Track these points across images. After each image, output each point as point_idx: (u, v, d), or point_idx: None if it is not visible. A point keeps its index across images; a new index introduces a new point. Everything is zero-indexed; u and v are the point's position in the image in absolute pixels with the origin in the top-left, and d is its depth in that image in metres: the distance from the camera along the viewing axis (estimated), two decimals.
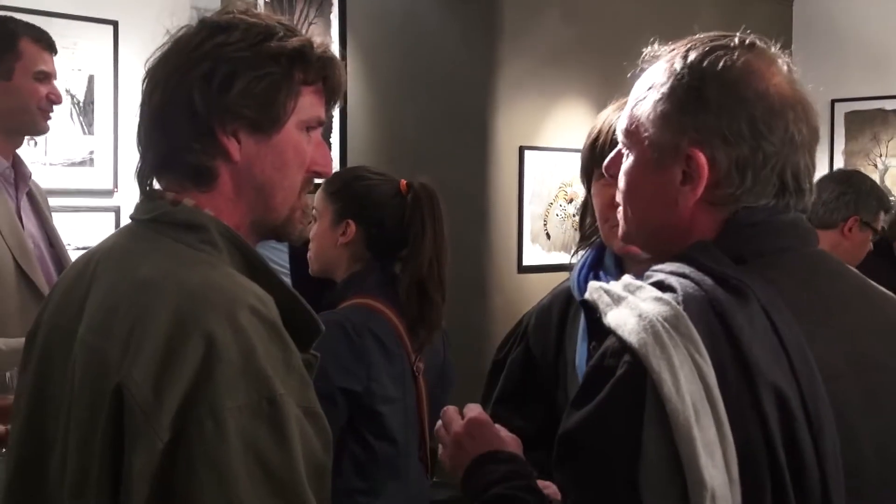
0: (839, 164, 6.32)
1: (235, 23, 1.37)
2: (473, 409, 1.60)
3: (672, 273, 1.21)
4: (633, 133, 1.32)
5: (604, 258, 1.86)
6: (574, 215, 5.14)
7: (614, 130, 1.78)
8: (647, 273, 1.25)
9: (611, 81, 5.17)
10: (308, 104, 1.41)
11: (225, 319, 1.20)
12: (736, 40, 1.28)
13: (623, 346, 1.14)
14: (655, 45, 1.35)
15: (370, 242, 2.43)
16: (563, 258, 5.07)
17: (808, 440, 1.12)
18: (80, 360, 1.27)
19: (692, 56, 1.27)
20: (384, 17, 5.21)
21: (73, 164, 4.35)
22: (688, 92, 1.25)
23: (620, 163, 1.36)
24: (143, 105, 1.39)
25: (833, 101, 6.14)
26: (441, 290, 2.43)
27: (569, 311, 1.91)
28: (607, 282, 1.76)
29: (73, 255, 4.28)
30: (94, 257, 1.39)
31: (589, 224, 1.94)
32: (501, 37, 4.83)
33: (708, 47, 1.28)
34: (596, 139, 1.83)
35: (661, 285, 1.19)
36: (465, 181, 4.77)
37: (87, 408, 1.24)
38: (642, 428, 1.09)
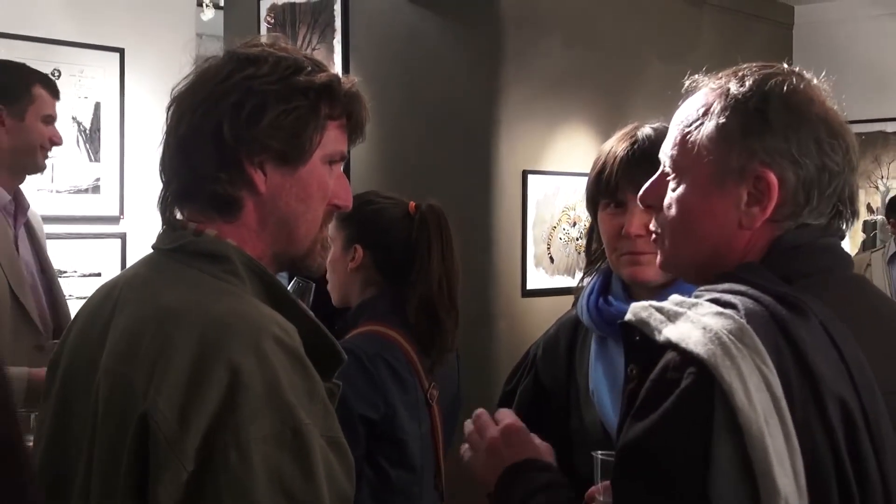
0: None
1: (264, 56, 1.38)
2: (508, 416, 1.59)
3: (727, 291, 1.21)
4: (687, 159, 1.32)
5: (611, 283, 1.87)
6: (577, 239, 5.15)
7: (620, 161, 1.79)
8: (697, 292, 1.25)
9: (613, 105, 5.22)
10: (332, 139, 1.43)
11: (249, 349, 1.21)
12: (785, 67, 1.31)
13: (686, 358, 1.14)
14: (697, 76, 1.37)
15: (380, 266, 2.43)
16: (566, 282, 5.07)
17: (870, 452, 1.13)
18: (104, 388, 1.27)
19: (750, 80, 1.29)
20: (387, 43, 5.24)
21: (79, 191, 4.37)
22: (752, 114, 1.27)
23: (658, 193, 1.36)
24: (168, 134, 1.40)
25: None
26: (452, 312, 2.41)
27: (576, 338, 1.91)
28: (617, 306, 1.77)
29: (79, 282, 4.30)
30: (117, 286, 1.40)
31: (595, 249, 1.95)
32: (504, 62, 4.86)
33: (763, 74, 1.30)
34: (602, 170, 1.82)
35: (718, 302, 1.20)
36: (469, 205, 4.79)
37: (112, 436, 1.24)
38: (711, 438, 1.10)
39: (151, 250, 1.44)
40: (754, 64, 1.33)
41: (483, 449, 1.55)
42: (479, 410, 1.62)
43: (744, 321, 1.15)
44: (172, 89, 1.42)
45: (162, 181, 1.42)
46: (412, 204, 2.45)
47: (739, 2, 6.08)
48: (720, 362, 1.11)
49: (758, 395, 1.09)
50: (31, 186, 4.19)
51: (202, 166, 1.35)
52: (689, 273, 1.38)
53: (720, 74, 1.34)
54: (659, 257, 1.40)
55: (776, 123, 1.26)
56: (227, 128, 1.34)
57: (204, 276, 1.32)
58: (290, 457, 1.18)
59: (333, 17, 5.44)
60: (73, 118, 4.35)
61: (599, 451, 1.49)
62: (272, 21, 5.73)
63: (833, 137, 1.27)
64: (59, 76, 4.29)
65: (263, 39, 1.44)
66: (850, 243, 6.25)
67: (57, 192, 4.31)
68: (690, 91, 1.36)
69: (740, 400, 1.09)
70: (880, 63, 6.20)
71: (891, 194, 6.17)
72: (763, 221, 1.27)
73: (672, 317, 1.19)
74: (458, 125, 4.93)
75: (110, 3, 4.45)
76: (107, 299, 1.39)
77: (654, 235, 1.39)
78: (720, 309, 1.18)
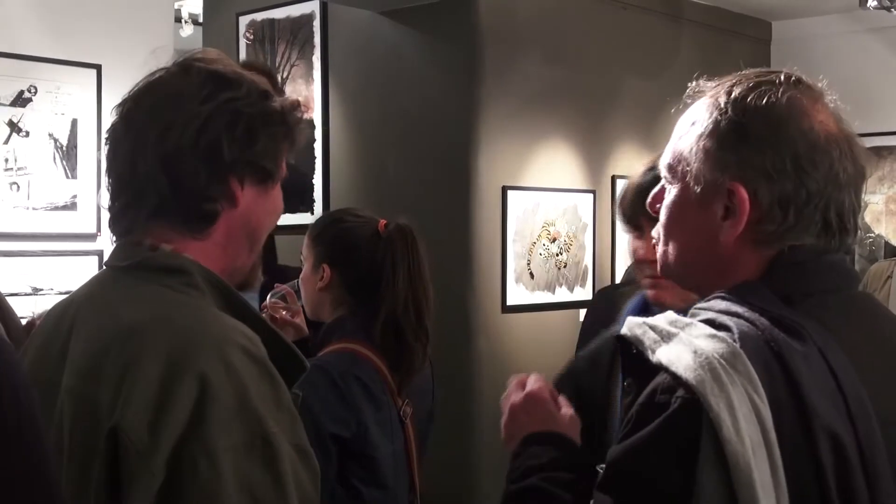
0: None
1: (237, 77, 1.42)
2: (537, 383, 1.56)
3: (723, 312, 1.18)
4: (675, 168, 1.31)
5: (649, 303, 1.88)
6: (557, 254, 5.15)
7: (636, 188, 1.82)
8: (693, 311, 1.21)
9: (592, 121, 5.23)
10: (284, 161, 1.48)
11: (217, 359, 1.22)
12: (782, 76, 1.27)
13: (676, 382, 1.10)
14: (700, 81, 1.34)
15: (348, 286, 2.41)
16: (547, 297, 5.07)
17: (863, 489, 1.09)
18: (69, 408, 1.27)
19: (736, 91, 1.26)
20: (366, 59, 5.24)
21: (55, 209, 4.33)
22: (730, 127, 1.24)
23: (661, 201, 1.35)
24: (144, 147, 1.37)
25: None
26: (420, 333, 2.38)
27: (617, 357, 1.92)
28: None
29: (55, 300, 4.27)
30: (72, 306, 1.40)
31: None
32: (484, 77, 4.87)
33: (753, 83, 1.26)
34: (622, 199, 1.87)
35: (712, 323, 1.16)
36: (448, 221, 4.78)
37: (80, 457, 1.24)
38: (696, 465, 1.07)
39: (104, 269, 1.44)
40: (754, 70, 1.30)
41: (507, 414, 1.54)
42: (517, 376, 1.60)
43: (737, 345, 1.11)
44: (127, 100, 1.42)
45: (116, 197, 1.40)
46: (382, 222, 2.43)
47: (717, 18, 6.12)
48: (709, 390, 1.07)
49: (747, 427, 1.06)
50: (6, 203, 4.16)
51: (192, 184, 1.36)
52: (684, 280, 1.36)
53: (723, 80, 1.31)
54: (658, 262, 1.38)
55: (753, 137, 1.22)
56: (226, 148, 1.36)
57: (164, 290, 1.33)
58: (259, 465, 1.21)
59: (313, 33, 5.43)
60: (50, 135, 4.32)
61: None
62: (251, 37, 5.72)
63: (815, 153, 1.22)
64: (35, 92, 4.27)
65: (210, 53, 1.46)
66: None
67: (33, 209, 4.28)
68: (695, 97, 1.33)
69: (728, 432, 1.05)
70: (857, 79, 6.24)
71: (869, 208, 6.20)
72: (740, 238, 1.23)
73: (665, 337, 1.16)
74: (437, 141, 4.92)
75: (87, 18, 4.43)
76: (62, 320, 1.39)
77: (653, 241, 1.38)
78: (713, 331, 1.14)
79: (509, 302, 4.92)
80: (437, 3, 4.94)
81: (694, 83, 1.35)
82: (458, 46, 4.92)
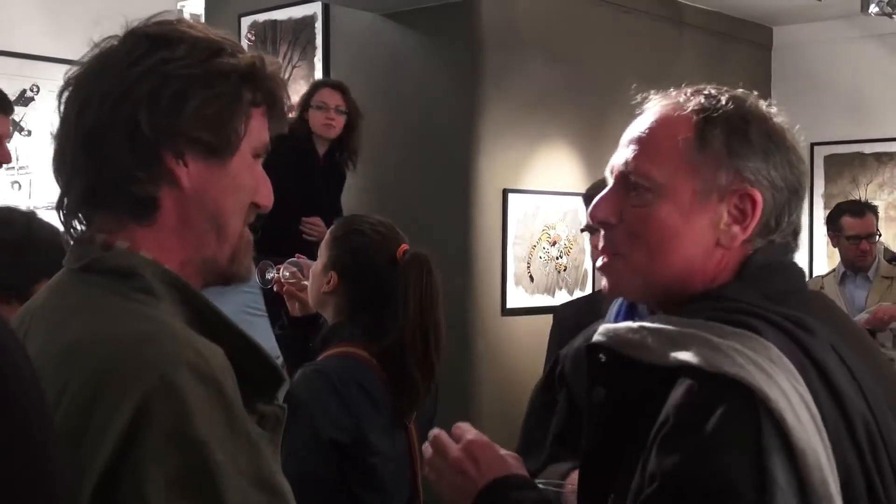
0: (819, 206, 6.37)
1: (178, 35, 1.23)
2: (469, 431, 1.48)
3: (735, 311, 1.18)
4: (664, 175, 1.27)
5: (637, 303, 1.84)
6: (557, 257, 5.15)
7: None
8: (686, 312, 1.21)
9: (593, 124, 5.23)
10: (257, 128, 1.27)
11: (156, 381, 1.05)
12: (741, 91, 1.32)
13: (718, 380, 1.09)
14: (650, 92, 1.35)
15: (352, 299, 2.37)
16: (546, 301, 5.07)
17: (889, 469, 1.13)
18: None
19: (724, 98, 1.28)
20: (367, 60, 5.25)
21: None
22: (737, 134, 1.26)
23: (617, 208, 1.31)
24: (67, 126, 1.23)
25: (812, 145, 6.20)
26: (426, 368, 2.31)
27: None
28: None
29: None
30: (27, 316, 1.24)
31: None
32: (485, 80, 4.87)
33: (733, 94, 1.30)
34: None
35: (731, 322, 1.16)
36: (449, 224, 4.79)
37: None
38: (763, 461, 1.06)
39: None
40: (712, 86, 1.32)
41: (447, 470, 1.45)
42: (436, 431, 1.52)
43: (763, 339, 1.12)
44: (66, 73, 1.25)
45: (59, 184, 1.24)
46: (402, 248, 2.36)
47: (718, 23, 6.12)
48: (763, 382, 1.08)
49: (803, 414, 1.08)
50: (7, 202, 4.17)
51: (115, 165, 1.18)
52: (649, 294, 1.32)
53: (677, 92, 1.33)
54: (610, 278, 1.33)
55: (758, 145, 1.25)
56: (144, 118, 1.17)
57: (112, 299, 1.15)
58: (197, 501, 1.04)
59: (314, 34, 5.44)
60: (52, 134, 4.33)
61: (541, 481, 1.46)
62: (253, 38, 5.73)
63: (800, 163, 1.30)
64: (37, 91, 4.28)
65: (168, 18, 1.28)
66: (828, 263, 6.27)
67: (34, 207, 4.28)
68: (646, 106, 1.35)
69: (792, 420, 1.06)
70: (858, 84, 6.25)
71: None
72: (741, 241, 1.26)
73: (679, 338, 1.15)
74: (438, 143, 4.93)
75: (91, 18, 4.43)
76: (17, 332, 1.19)
77: (604, 256, 1.32)
78: (733, 329, 1.14)
79: (509, 305, 4.92)
80: (438, 5, 4.95)
81: (641, 95, 1.37)
82: (459, 49, 4.93)
